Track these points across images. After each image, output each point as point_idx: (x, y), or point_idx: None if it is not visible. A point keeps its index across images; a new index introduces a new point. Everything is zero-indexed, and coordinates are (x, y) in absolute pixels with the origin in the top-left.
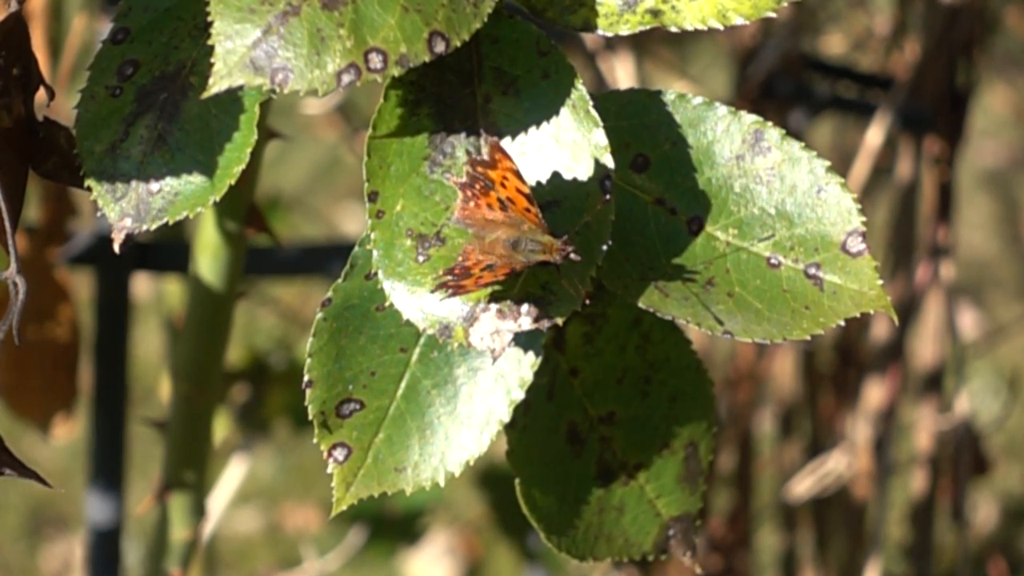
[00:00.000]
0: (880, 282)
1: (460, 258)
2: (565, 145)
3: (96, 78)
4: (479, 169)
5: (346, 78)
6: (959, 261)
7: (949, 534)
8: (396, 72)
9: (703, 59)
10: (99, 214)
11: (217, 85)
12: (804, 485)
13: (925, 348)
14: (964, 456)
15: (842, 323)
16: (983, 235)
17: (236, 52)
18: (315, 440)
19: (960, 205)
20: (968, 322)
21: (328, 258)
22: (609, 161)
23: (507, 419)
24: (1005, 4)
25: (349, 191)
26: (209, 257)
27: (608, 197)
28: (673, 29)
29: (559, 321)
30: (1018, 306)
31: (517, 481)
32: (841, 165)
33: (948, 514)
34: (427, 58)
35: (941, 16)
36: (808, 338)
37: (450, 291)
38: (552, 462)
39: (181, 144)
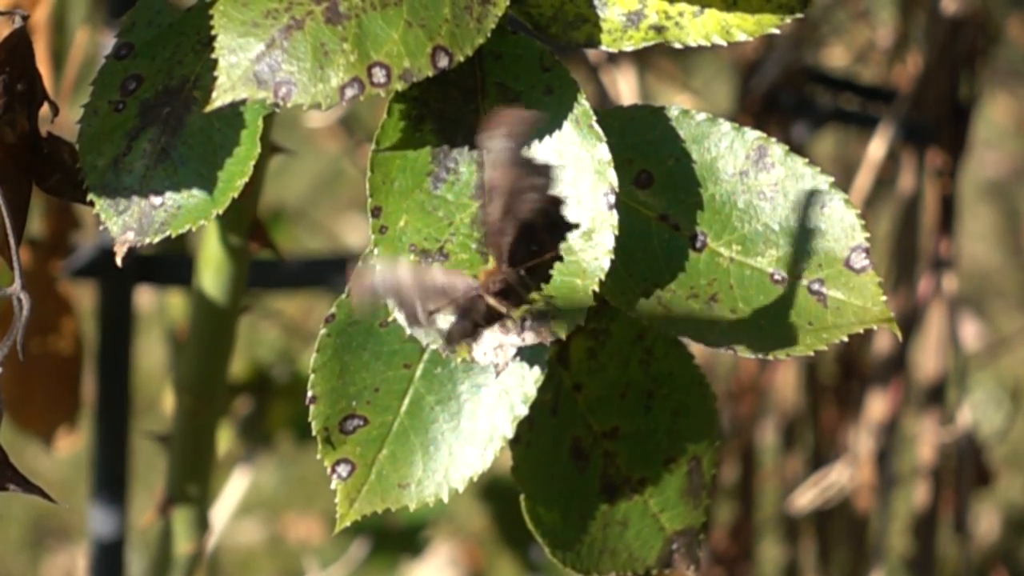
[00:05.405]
0: (884, 298)
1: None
2: (568, 161)
3: (99, 93)
4: None
5: (349, 92)
6: (961, 272)
7: (951, 546)
8: (399, 87)
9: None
10: (102, 228)
11: (220, 99)
12: (806, 497)
13: (927, 360)
14: (966, 468)
15: (845, 339)
16: (985, 246)
17: (239, 66)
18: (319, 456)
19: (962, 216)
20: (970, 333)
21: (330, 271)
22: (612, 177)
23: (511, 435)
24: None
25: (351, 203)
26: (212, 271)
27: (612, 213)
28: (677, 46)
29: (563, 336)
30: (1020, 317)
31: (522, 496)
32: (843, 177)
33: (950, 526)
34: (430, 73)
35: (943, 28)
36: (811, 353)
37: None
38: (556, 477)
39: (184, 158)
